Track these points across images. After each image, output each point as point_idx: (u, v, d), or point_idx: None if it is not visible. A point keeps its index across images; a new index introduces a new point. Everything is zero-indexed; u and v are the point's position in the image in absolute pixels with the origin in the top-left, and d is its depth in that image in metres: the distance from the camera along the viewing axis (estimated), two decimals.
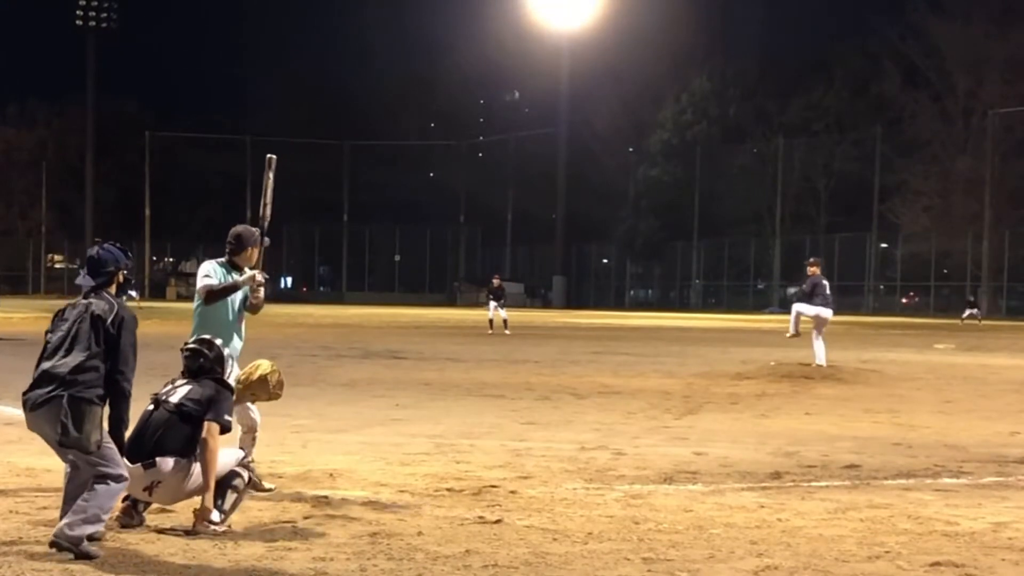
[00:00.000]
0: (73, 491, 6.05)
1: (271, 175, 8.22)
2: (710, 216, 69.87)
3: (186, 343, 7.04)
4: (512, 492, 7.64)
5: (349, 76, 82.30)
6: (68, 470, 6.16)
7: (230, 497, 6.48)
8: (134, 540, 6.10)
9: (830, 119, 67.25)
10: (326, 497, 7.37)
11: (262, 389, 7.26)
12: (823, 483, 8.28)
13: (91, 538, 5.84)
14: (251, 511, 6.81)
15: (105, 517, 5.97)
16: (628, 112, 71.77)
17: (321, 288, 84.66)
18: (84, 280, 6.32)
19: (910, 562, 5.93)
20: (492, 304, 32.60)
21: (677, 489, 7.95)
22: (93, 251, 6.37)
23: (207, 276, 7.66)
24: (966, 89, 61.91)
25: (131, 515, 6.44)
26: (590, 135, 72.35)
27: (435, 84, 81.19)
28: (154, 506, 6.66)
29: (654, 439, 10.47)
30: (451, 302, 70.20)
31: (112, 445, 6.03)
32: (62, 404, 5.84)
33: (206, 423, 6.48)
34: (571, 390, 15.05)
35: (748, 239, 70.14)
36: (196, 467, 6.43)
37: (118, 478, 5.97)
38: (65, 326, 6.08)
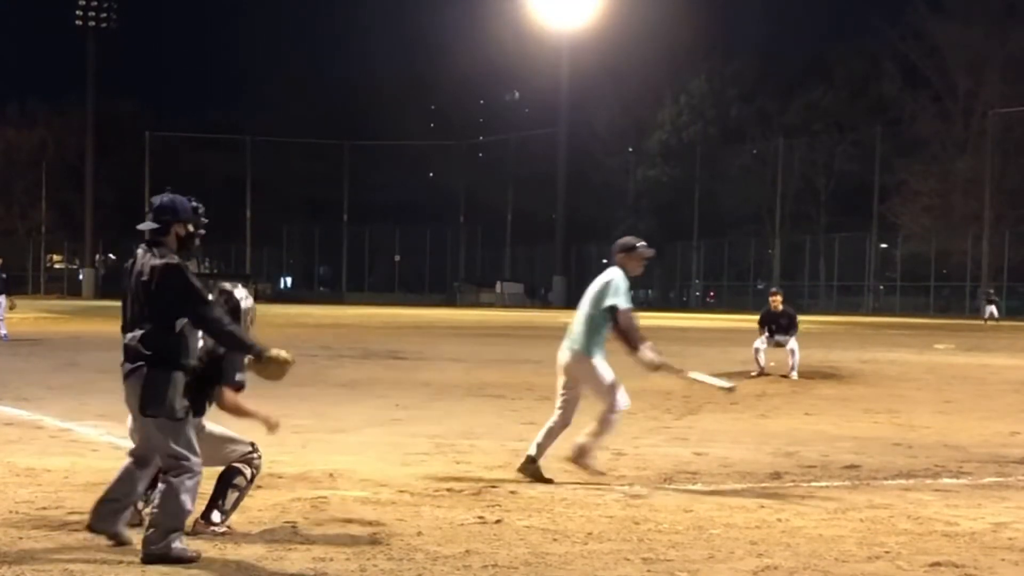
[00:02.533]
0: (121, 488, 5.93)
1: None
2: (710, 216, 69.83)
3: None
4: (512, 492, 7.65)
5: (349, 76, 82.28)
6: (128, 464, 6.03)
7: (231, 496, 6.39)
8: (134, 540, 6.09)
9: (830, 119, 67.19)
10: (326, 497, 7.37)
11: (276, 368, 6.93)
12: (823, 483, 8.29)
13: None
14: (251, 511, 6.80)
15: (186, 515, 5.79)
16: (628, 112, 71.72)
17: (321, 288, 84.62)
18: (145, 224, 5.97)
19: (910, 562, 5.94)
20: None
21: (677, 489, 7.95)
22: (158, 197, 6.09)
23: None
24: (966, 89, 61.89)
25: (134, 515, 6.41)
26: (590, 135, 72.28)
27: (435, 84, 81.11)
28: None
29: (654, 439, 10.47)
30: (451, 302, 70.17)
31: (192, 433, 5.88)
32: (142, 374, 5.75)
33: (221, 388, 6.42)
34: None
35: (748, 239, 70.11)
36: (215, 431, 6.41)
37: (193, 470, 5.77)
38: (129, 295, 5.88)
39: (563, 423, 8.32)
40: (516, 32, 69.34)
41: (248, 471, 6.51)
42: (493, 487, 7.81)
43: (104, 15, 72.06)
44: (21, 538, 6.09)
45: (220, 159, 76.79)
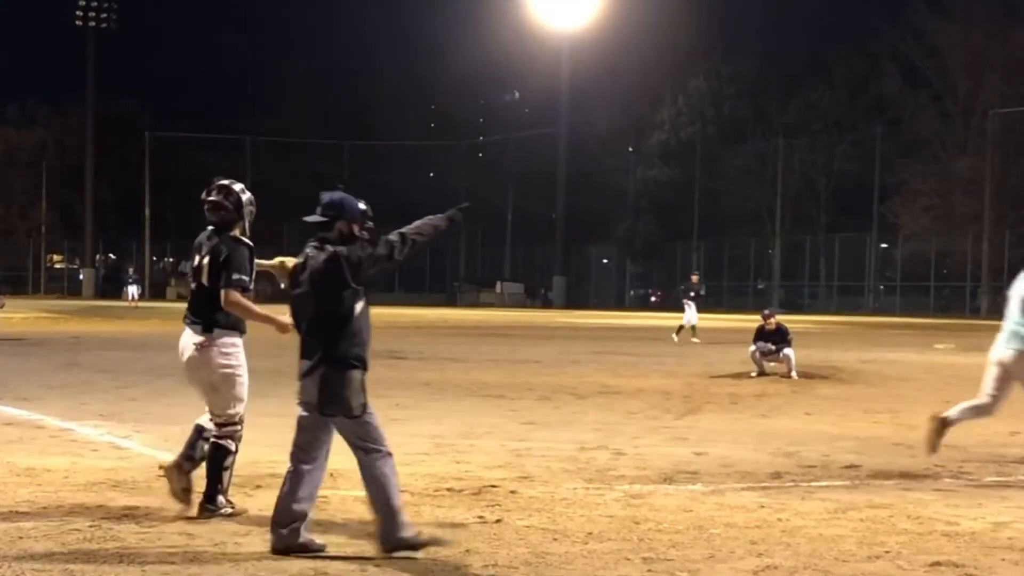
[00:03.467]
0: (291, 496, 5.88)
1: None
2: (710, 216, 69.82)
3: (206, 192, 6.85)
4: (512, 492, 7.64)
5: (349, 76, 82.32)
6: (300, 468, 5.99)
7: (225, 477, 6.71)
8: (134, 540, 6.10)
9: (830, 119, 67.18)
10: (326, 497, 7.36)
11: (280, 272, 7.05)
12: (823, 483, 8.29)
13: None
14: (251, 511, 6.81)
15: (400, 497, 5.88)
16: (627, 112, 71.71)
17: None
18: (312, 216, 5.95)
19: (910, 562, 5.94)
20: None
21: (677, 489, 7.95)
22: (328, 193, 6.07)
23: None
24: (966, 89, 61.87)
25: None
26: (590, 135, 72.28)
27: (435, 84, 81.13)
28: (149, 506, 6.67)
29: (654, 439, 10.47)
30: (451, 302, 70.16)
31: (376, 420, 5.89)
32: (320, 373, 5.75)
33: (222, 291, 6.49)
34: (571, 390, 15.04)
35: (748, 239, 70.10)
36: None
37: (385, 453, 5.84)
38: (303, 289, 5.88)
39: (986, 411, 9.11)
40: (516, 32, 69.34)
41: (233, 446, 6.76)
42: (493, 487, 7.81)
43: (104, 15, 72.05)
44: (21, 538, 6.09)
45: (220, 159, 76.71)
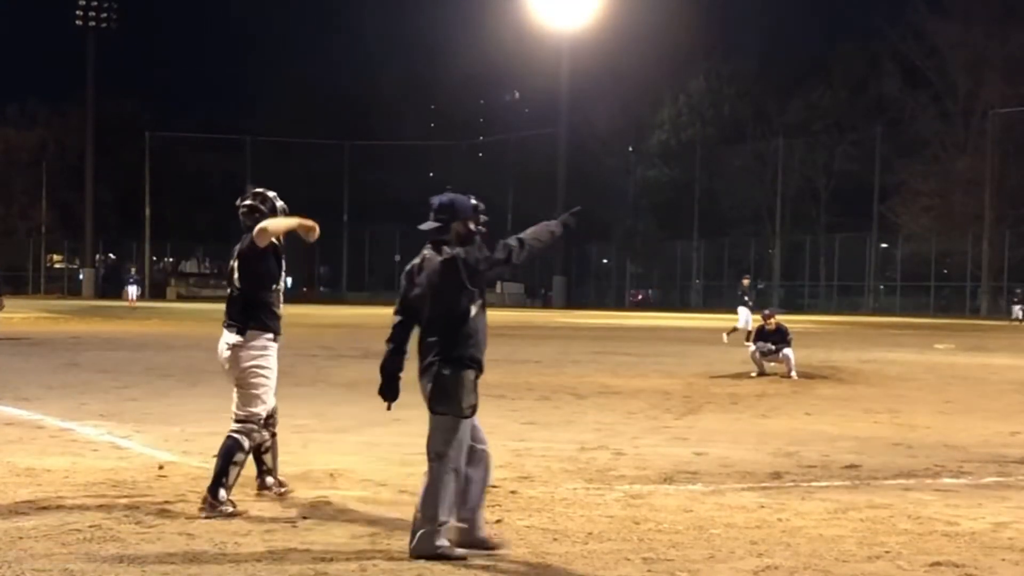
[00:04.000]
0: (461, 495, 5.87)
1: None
2: (710, 216, 69.84)
3: (240, 199, 7.06)
4: (512, 492, 7.64)
5: (349, 76, 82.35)
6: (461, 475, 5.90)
7: (232, 472, 6.76)
8: (135, 540, 6.10)
9: (830, 119, 67.21)
10: (326, 497, 7.37)
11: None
12: (823, 483, 8.28)
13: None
14: (251, 511, 6.81)
15: (481, 496, 5.94)
16: (627, 112, 71.72)
17: (321, 288, 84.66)
18: (426, 224, 5.94)
19: (910, 562, 5.93)
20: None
21: (677, 489, 7.95)
22: (438, 197, 6.06)
23: None
24: (966, 89, 61.89)
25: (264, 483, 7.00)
26: (590, 135, 72.30)
27: (435, 84, 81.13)
28: (150, 506, 6.67)
29: (654, 439, 10.46)
30: None
31: (477, 422, 5.93)
32: (433, 372, 5.78)
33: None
34: (571, 390, 15.04)
35: (748, 239, 70.13)
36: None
37: (483, 451, 5.90)
38: (420, 291, 5.89)
39: None
40: (516, 32, 69.36)
41: (247, 444, 6.78)
42: (493, 487, 7.80)
43: (104, 15, 72.06)
44: (21, 538, 6.09)
45: (220, 159, 76.83)
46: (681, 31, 66.76)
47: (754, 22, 71.34)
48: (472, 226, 5.91)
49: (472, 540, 5.86)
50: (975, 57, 60.57)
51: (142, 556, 5.78)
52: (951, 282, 63.92)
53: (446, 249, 5.81)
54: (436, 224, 5.86)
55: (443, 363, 5.74)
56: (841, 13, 70.74)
